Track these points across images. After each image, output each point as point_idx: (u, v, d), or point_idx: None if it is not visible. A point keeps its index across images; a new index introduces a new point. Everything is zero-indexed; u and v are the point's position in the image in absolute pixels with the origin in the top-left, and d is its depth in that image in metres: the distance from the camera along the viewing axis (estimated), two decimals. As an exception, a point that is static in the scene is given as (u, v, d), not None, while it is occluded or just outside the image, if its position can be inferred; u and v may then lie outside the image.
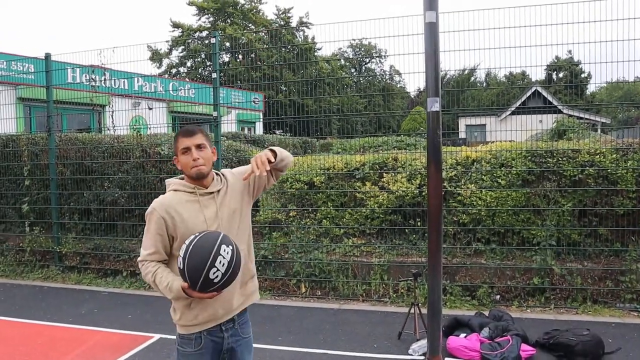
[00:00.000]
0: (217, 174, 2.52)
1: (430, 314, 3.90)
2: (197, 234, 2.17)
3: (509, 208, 5.83)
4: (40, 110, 7.68)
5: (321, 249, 6.51)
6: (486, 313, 5.08)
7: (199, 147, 2.36)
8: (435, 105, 3.89)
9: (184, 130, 2.40)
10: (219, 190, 2.43)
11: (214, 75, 6.78)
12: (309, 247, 6.54)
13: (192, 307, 2.33)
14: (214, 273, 2.08)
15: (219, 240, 2.13)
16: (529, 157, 5.92)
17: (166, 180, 2.52)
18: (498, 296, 5.76)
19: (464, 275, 5.92)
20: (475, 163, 6.24)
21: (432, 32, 3.85)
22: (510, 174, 5.92)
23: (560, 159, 5.77)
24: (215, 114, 6.78)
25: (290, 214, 6.84)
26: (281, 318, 5.58)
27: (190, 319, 2.34)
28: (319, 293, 6.35)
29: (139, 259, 2.39)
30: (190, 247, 2.11)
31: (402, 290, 6.04)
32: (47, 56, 7.56)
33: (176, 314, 2.38)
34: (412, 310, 4.79)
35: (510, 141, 6.40)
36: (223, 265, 2.09)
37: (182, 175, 2.48)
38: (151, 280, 2.30)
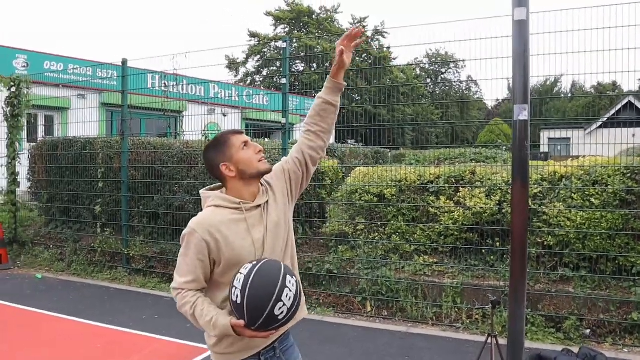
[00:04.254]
0: (261, 183, 2.20)
1: (511, 348, 3.43)
2: (256, 262, 1.87)
3: (603, 231, 5.19)
4: (119, 115, 7.85)
5: (389, 266, 6.12)
6: (575, 350, 4.49)
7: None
8: (523, 113, 3.45)
9: (231, 131, 2.15)
10: (266, 202, 2.13)
11: (284, 80, 6.60)
12: (376, 263, 6.18)
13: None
14: (279, 309, 1.80)
15: (282, 270, 1.86)
16: (628, 175, 5.26)
17: (201, 192, 2.19)
18: (588, 330, 5.12)
19: (548, 304, 5.32)
20: (563, 179, 5.64)
21: (522, 30, 3.43)
22: (605, 192, 5.28)
23: (666, 177, 5.08)
24: (284, 120, 6.59)
25: (358, 227, 6.51)
26: (343, 338, 5.24)
27: (226, 347, 2.05)
28: (386, 313, 5.96)
29: (173, 285, 2.07)
30: (251, 277, 1.81)
31: (477, 316, 5.53)
32: (124, 62, 7.71)
33: (211, 339, 2.09)
34: (488, 341, 4.31)
35: (599, 156, 5.75)
36: (290, 299, 1.82)
37: (216, 185, 2.20)
38: (189, 312, 1.99)
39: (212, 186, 2.24)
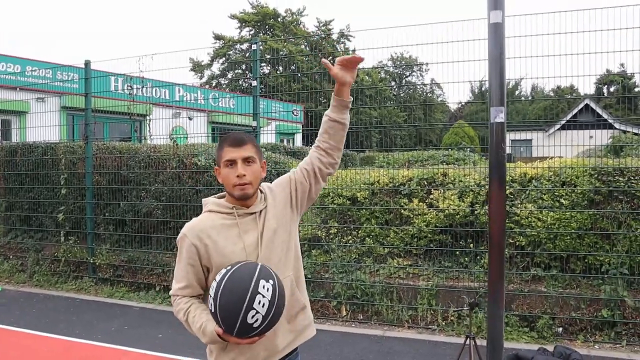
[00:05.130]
0: (261, 190, 2.13)
1: (491, 348, 3.45)
2: (229, 267, 1.80)
3: (573, 231, 5.28)
4: (82, 119, 7.58)
5: (364, 270, 6.09)
6: (550, 348, 4.54)
7: (247, 160, 1.97)
8: (500, 115, 3.47)
9: (232, 138, 2.00)
10: (261, 211, 2.05)
11: (254, 83, 6.50)
12: (350, 267, 6.13)
13: (227, 349, 1.96)
14: (252, 317, 1.70)
15: (256, 275, 1.75)
16: (596, 175, 5.37)
17: (203, 200, 2.15)
18: (560, 328, 5.20)
19: (521, 304, 5.38)
20: (533, 180, 5.72)
21: (497, 33, 3.44)
22: (574, 193, 5.38)
23: (632, 177, 5.21)
24: (254, 123, 6.49)
25: (331, 231, 6.45)
26: (320, 345, 5.16)
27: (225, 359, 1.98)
28: (361, 317, 5.92)
29: (171, 292, 2.05)
30: (222, 285, 1.74)
31: (452, 318, 5.55)
32: (87, 63, 7.46)
33: (212, 355, 2.02)
34: (467, 343, 4.31)
35: (559, 157, 5.86)
36: (263, 305, 1.71)
37: (223, 193, 2.12)
38: (183, 319, 1.95)
39: (218, 194, 2.18)
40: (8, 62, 13.53)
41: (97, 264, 7.40)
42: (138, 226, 7.27)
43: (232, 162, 1.96)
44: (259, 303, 1.71)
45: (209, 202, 2.08)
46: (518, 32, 5.37)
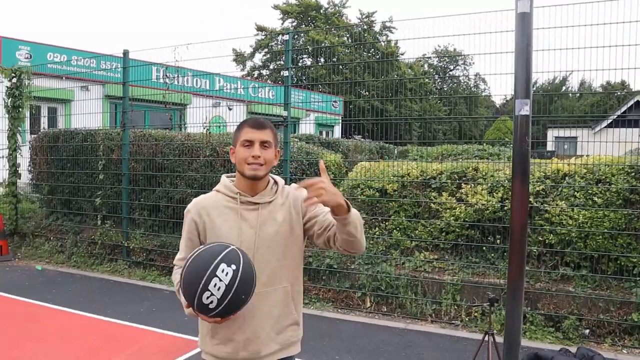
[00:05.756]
0: (275, 181, 2.10)
1: (507, 346, 3.38)
2: (202, 246, 1.83)
3: (606, 230, 5.11)
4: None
5: (390, 262, 6.06)
6: (573, 350, 4.42)
7: (263, 144, 1.97)
8: (524, 108, 3.38)
9: (253, 120, 2.02)
10: (269, 202, 2.02)
11: (286, 73, 6.54)
12: (376, 258, 6.12)
13: (213, 334, 2.01)
14: (207, 298, 1.71)
15: (220, 257, 1.73)
16: (632, 174, 5.18)
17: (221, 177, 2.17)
18: (587, 330, 5.05)
19: (548, 303, 5.25)
20: (566, 177, 5.56)
21: (524, 23, 3.35)
22: (608, 191, 5.20)
23: (671, 176, 4.99)
24: (285, 113, 6.53)
25: (359, 223, 6.44)
26: (341, 334, 5.19)
27: (210, 348, 2.03)
28: (385, 309, 5.91)
29: (174, 261, 2.13)
30: (189, 261, 1.77)
31: (476, 314, 5.47)
32: (125, 53, 7.66)
33: (202, 341, 2.07)
34: (485, 339, 4.25)
35: (604, 156, 5.66)
36: (219, 289, 1.70)
37: (234, 174, 2.11)
38: (176, 288, 1.98)
39: (232, 174, 2.17)
40: (55, 51, 14.06)
41: (131, 247, 7.65)
42: (171, 212, 7.46)
43: (250, 143, 1.96)
44: (215, 286, 1.70)
45: (221, 182, 2.10)
46: (560, 22, 5.20)
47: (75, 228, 8.39)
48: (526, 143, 3.37)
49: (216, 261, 1.72)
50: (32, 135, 9.54)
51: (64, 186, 8.57)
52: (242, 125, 2.03)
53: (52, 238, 8.65)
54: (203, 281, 1.70)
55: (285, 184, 2.15)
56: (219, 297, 1.70)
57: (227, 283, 1.70)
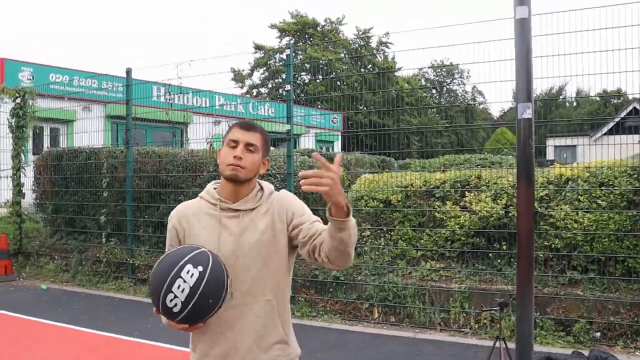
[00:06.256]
0: (261, 187, 1.97)
1: (519, 351, 3.38)
2: (175, 248, 1.78)
3: (611, 232, 5.12)
4: (124, 125, 7.89)
5: (396, 272, 6.06)
6: (585, 353, 4.41)
7: (249, 146, 1.86)
8: (527, 111, 3.43)
9: (243, 122, 1.94)
10: (251, 210, 1.90)
11: (288, 87, 6.60)
12: (383, 269, 6.12)
13: (193, 348, 1.95)
14: (171, 300, 1.62)
15: (186, 258, 1.66)
16: (635, 175, 5.20)
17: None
18: (598, 333, 5.03)
19: (557, 307, 5.24)
20: (569, 182, 5.59)
21: (523, 29, 3.42)
22: (612, 194, 5.22)
23: (674, 178, 5.02)
24: (288, 127, 6.58)
25: (364, 234, 6.46)
26: (349, 345, 5.17)
27: (197, 356, 1.93)
28: (393, 319, 5.89)
29: None
30: (156, 263, 1.72)
31: (485, 321, 5.46)
32: (128, 71, 7.74)
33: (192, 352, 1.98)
34: (497, 345, 4.23)
35: (608, 159, 5.70)
36: (183, 291, 1.61)
37: (218, 182, 2.01)
38: None
39: (216, 181, 2.10)
40: (57, 72, 14.19)
41: (136, 264, 7.64)
42: (176, 228, 7.44)
43: (235, 143, 1.86)
44: (178, 287, 1.61)
45: (205, 189, 2.02)
46: (557, 29, 5.27)
47: (80, 246, 8.39)
48: (530, 146, 3.41)
49: (182, 262, 1.65)
50: (35, 155, 9.60)
51: (68, 205, 8.59)
52: (232, 126, 1.95)
53: (56, 257, 8.64)
54: (167, 282, 1.62)
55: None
56: (182, 300, 1.62)
57: (191, 285, 1.62)
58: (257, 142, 1.89)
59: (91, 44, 69.88)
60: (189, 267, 1.63)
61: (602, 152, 5.93)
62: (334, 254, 1.70)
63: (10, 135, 8.89)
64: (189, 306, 1.62)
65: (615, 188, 5.21)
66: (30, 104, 8.87)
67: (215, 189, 1.97)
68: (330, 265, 1.77)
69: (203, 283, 1.63)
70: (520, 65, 3.44)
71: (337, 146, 18.50)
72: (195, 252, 1.69)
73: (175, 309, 1.63)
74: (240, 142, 1.86)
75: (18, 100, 8.83)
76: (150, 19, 77.08)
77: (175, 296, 1.61)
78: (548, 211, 5.45)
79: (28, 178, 9.18)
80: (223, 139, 1.96)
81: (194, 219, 1.91)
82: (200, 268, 1.64)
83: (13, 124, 8.83)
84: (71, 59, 68.25)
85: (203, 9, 73.41)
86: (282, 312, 1.91)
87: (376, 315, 5.99)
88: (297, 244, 1.89)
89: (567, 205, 5.39)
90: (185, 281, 1.62)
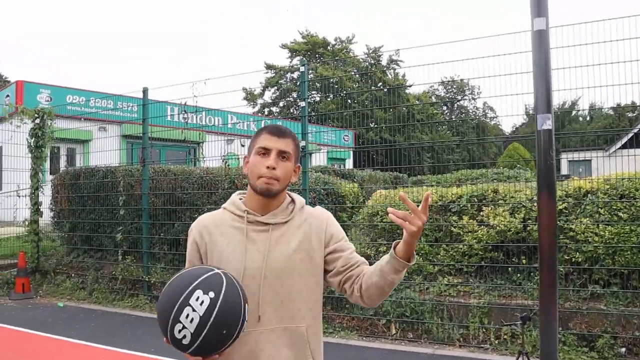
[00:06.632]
0: (292, 200, 1.82)
1: (545, 365, 3.32)
2: (187, 268, 1.59)
3: (634, 245, 5.05)
4: (140, 146, 7.98)
5: (413, 287, 6.01)
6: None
7: (282, 154, 1.70)
8: (547, 122, 3.41)
9: (274, 126, 1.77)
10: (282, 223, 1.73)
11: (302, 103, 6.64)
12: (400, 284, 6.06)
13: None
14: (179, 331, 1.43)
15: (196, 282, 1.46)
16: (656, 188, 5.14)
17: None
18: (624, 349, 4.93)
19: (580, 322, 5.15)
20: (588, 194, 5.53)
21: (542, 41, 3.43)
22: (633, 206, 5.16)
23: (696, 189, 4.95)
24: (303, 142, 6.60)
25: (380, 249, 6.42)
26: (368, 361, 5.12)
27: None
28: (411, 335, 5.82)
29: None
30: (165, 286, 1.52)
31: (506, 336, 5.37)
32: (145, 90, 7.84)
33: None
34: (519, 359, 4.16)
35: (628, 172, 5.64)
36: (192, 321, 1.42)
37: (243, 192, 1.85)
38: None
39: (242, 191, 1.93)
40: (74, 94, 14.40)
41: (152, 282, 7.65)
42: (191, 245, 7.45)
43: (265, 151, 1.70)
44: (187, 317, 1.42)
45: (229, 199, 1.85)
46: (566, 42, 5.27)
47: (96, 264, 8.43)
48: (550, 157, 3.38)
49: (191, 287, 1.45)
50: (52, 175, 9.71)
51: (85, 223, 8.65)
52: (260, 131, 1.76)
53: (73, 275, 8.68)
54: (174, 311, 1.43)
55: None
56: (192, 331, 1.43)
57: (201, 314, 1.43)
58: (290, 150, 1.73)
59: (91, 44, 71.24)
60: (198, 293, 1.44)
61: (617, 165, 5.88)
62: (375, 293, 1.64)
63: (29, 155, 9.01)
64: (200, 338, 1.43)
65: (637, 200, 5.14)
66: (49, 124, 9.00)
67: (241, 199, 1.80)
68: (360, 301, 1.69)
69: (215, 312, 1.43)
70: (539, 76, 3.44)
71: (349, 163, 18.53)
72: (206, 275, 1.49)
73: (185, 341, 1.44)
74: (272, 149, 1.69)
75: (37, 121, 8.97)
76: (150, 19, 78.41)
77: (184, 326, 1.43)
78: (567, 224, 5.39)
79: (46, 197, 9.27)
80: (250, 147, 1.78)
81: (216, 232, 1.73)
82: (211, 294, 1.44)
83: (32, 144, 8.96)
84: (71, 59, 69.86)
85: (203, 9, 74.56)
86: (312, 340, 1.72)
87: (394, 331, 5.92)
88: (331, 269, 1.75)
89: (587, 219, 5.33)
90: (194, 310, 1.42)
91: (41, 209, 9.13)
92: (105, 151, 8.86)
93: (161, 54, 74.43)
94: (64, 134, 10.24)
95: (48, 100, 13.68)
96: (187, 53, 73.73)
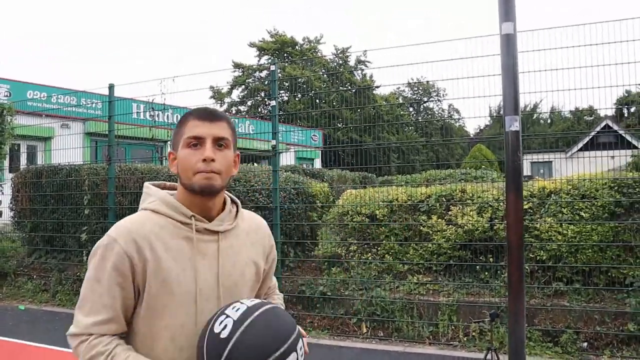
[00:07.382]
0: (232, 200, 1.53)
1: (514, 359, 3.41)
2: (222, 311, 1.29)
3: (594, 244, 5.22)
4: (105, 144, 7.80)
5: (383, 286, 6.06)
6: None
7: (219, 141, 1.38)
8: (514, 124, 3.50)
9: (202, 109, 1.42)
10: (230, 231, 1.46)
11: (273, 102, 6.62)
12: (370, 283, 6.12)
13: None
14: None
15: (294, 336, 1.27)
16: (616, 188, 5.33)
17: (145, 185, 1.52)
18: (585, 343, 5.09)
19: (544, 319, 5.30)
20: (552, 194, 5.69)
21: (509, 44, 3.51)
22: (594, 206, 5.34)
23: (653, 189, 5.16)
24: (273, 142, 6.58)
25: (351, 249, 6.47)
26: (340, 360, 5.14)
27: None
28: (382, 334, 5.87)
29: (72, 331, 1.40)
30: (230, 344, 1.21)
31: (474, 333, 5.48)
32: (111, 87, 7.67)
33: None
34: (488, 356, 4.25)
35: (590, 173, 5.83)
36: None
37: (164, 183, 1.54)
38: None
39: (161, 182, 1.54)
40: (35, 89, 13.99)
41: (118, 283, 7.47)
42: (159, 245, 7.34)
43: (198, 140, 1.36)
44: None
45: (156, 197, 1.44)
46: (531, 46, 5.41)
47: (60, 265, 8.19)
48: (518, 158, 3.47)
49: (292, 338, 1.27)
50: (12, 173, 9.40)
51: (47, 223, 8.40)
52: (186, 118, 1.41)
53: (35, 276, 8.41)
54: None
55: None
56: None
57: None
58: (227, 134, 1.41)
59: (91, 44, 69.72)
60: (301, 342, 1.31)
61: (577, 166, 6.10)
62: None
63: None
64: None
65: (597, 200, 5.32)
66: (9, 120, 8.71)
67: (170, 195, 1.45)
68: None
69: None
70: (507, 79, 3.52)
71: (318, 163, 18.55)
72: (295, 330, 1.31)
73: None
74: (205, 137, 1.37)
75: (-5, 117, 8.68)
76: (150, 19, 77.10)
77: None
78: (532, 224, 5.53)
79: (5, 196, 8.97)
80: (175, 139, 1.44)
81: (159, 245, 1.34)
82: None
83: (-10, 141, 8.66)
84: (71, 59, 68.50)
85: (203, 9, 73.80)
86: None
87: (364, 330, 5.96)
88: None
89: (551, 218, 5.48)
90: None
91: (0, 209, 8.83)
92: (68, 149, 8.63)
93: (161, 54, 73.20)
94: (25, 130, 9.92)
95: (7, 96, 13.23)
96: (187, 53, 72.59)
